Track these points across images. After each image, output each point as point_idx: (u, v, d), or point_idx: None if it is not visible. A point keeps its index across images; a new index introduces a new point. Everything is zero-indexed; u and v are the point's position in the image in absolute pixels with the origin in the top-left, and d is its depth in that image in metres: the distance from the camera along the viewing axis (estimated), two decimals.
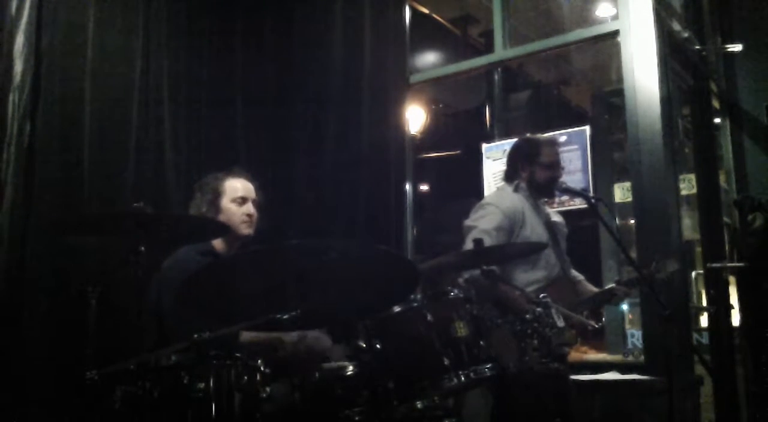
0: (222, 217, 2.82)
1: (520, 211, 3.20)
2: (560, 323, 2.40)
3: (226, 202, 2.86)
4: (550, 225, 3.30)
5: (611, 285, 3.20)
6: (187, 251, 2.73)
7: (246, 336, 2.57)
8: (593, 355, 4.70)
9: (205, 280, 1.99)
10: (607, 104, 6.28)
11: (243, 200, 2.87)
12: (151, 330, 2.55)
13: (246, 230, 2.86)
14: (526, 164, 3.29)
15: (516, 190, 3.29)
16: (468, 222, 3.21)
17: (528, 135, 3.58)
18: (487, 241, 2.93)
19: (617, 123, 6.01)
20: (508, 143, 4.47)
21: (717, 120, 5.02)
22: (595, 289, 3.34)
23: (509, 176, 3.37)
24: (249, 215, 2.87)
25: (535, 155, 3.27)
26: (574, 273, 3.40)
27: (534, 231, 3.20)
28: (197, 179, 3.02)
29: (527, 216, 3.21)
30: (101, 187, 3.52)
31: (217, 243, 2.84)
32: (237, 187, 2.89)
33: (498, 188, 3.55)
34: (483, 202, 3.32)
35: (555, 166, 3.27)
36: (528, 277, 3.13)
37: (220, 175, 2.93)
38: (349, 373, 2.17)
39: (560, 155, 3.37)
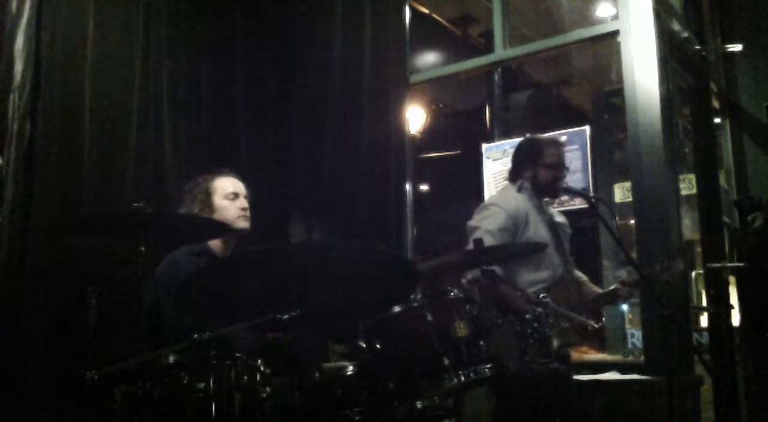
0: (217, 216, 2.82)
1: (523, 211, 3.19)
2: (564, 324, 2.40)
3: (218, 200, 2.87)
4: (553, 225, 3.30)
5: (615, 285, 3.20)
6: (182, 252, 2.73)
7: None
8: (593, 355, 4.70)
9: (205, 281, 1.99)
10: (607, 104, 6.27)
11: (235, 196, 2.89)
12: (149, 332, 2.55)
13: (243, 223, 2.87)
14: (529, 164, 3.27)
15: (520, 190, 3.27)
16: (472, 222, 3.20)
17: (532, 134, 3.57)
18: (491, 242, 2.93)
19: (617, 123, 6.00)
20: (508, 143, 4.49)
21: (717, 120, 5.02)
22: (598, 290, 3.34)
23: (513, 176, 3.35)
24: (243, 209, 2.88)
25: (538, 155, 3.25)
26: (578, 273, 3.39)
27: (537, 231, 3.19)
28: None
29: (531, 217, 3.20)
30: (101, 187, 3.52)
31: (215, 243, 2.84)
32: (227, 185, 2.91)
33: (502, 188, 3.53)
34: (487, 202, 3.32)
35: (558, 167, 3.25)
36: (532, 278, 3.13)
37: (207, 175, 2.94)
38: (349, 373, 2.17)
39: (564, 155, 3.35)
